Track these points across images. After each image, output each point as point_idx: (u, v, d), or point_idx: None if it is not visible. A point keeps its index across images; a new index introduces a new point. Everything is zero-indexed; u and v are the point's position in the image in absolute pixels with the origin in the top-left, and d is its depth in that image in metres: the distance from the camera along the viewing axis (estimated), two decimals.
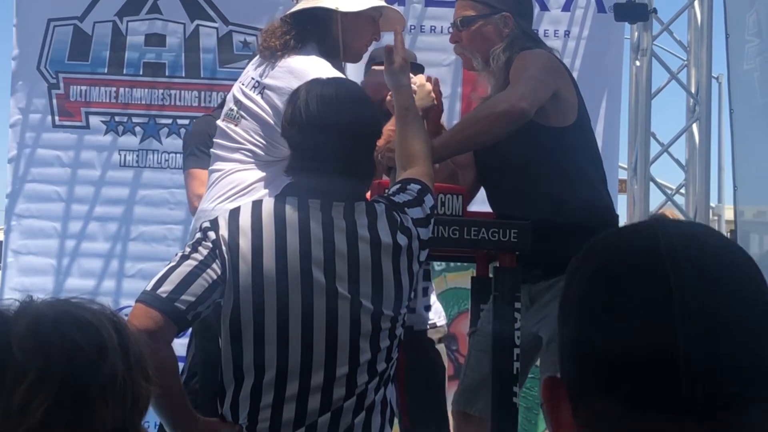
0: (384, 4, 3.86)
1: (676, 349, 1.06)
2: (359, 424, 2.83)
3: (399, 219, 2.91)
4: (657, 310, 1.08)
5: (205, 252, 2.82)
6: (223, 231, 2.83)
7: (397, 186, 3.08)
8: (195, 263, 2.80)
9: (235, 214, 2.89)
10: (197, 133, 4.90)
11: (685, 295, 1.08)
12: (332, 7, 3.71)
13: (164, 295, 2.74)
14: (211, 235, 2.84)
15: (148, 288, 2.77)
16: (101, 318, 1.56)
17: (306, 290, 2.80)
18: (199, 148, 4.70)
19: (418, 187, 3.06)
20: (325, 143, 2.89)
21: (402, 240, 2.89)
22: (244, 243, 2.82)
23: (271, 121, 3.59)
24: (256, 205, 2.94)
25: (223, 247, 2.81)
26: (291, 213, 2.85)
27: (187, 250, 2.85)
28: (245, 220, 2.86)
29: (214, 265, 2.80)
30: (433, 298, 4.46)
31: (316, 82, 3.04)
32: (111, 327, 1.55)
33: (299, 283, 2.80)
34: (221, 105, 4.77)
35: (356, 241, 2.84)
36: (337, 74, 3.63)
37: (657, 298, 1.09)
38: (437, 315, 4.48)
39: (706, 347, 1.07)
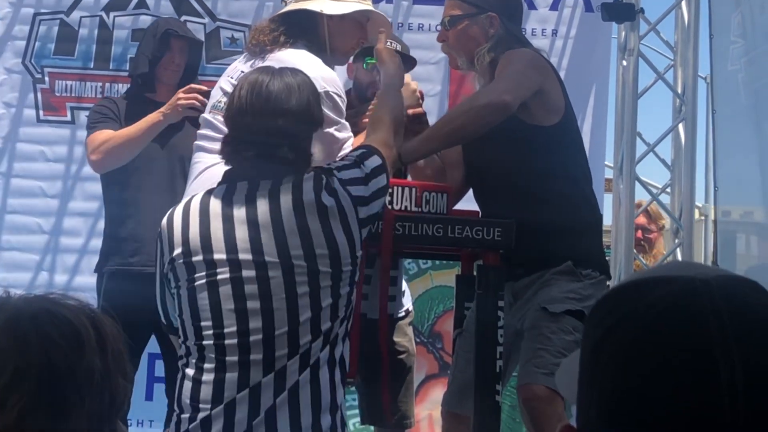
0: (370, 7, 3.87)
1: (720, 408, 1.06)
2: (304, 382, 2.90)
3: (324, 181, 2.99)
4: (701, 370, 1.08)
5: (158, 267, 3.12)
6: (163, 234, 3.07)
7: (343, 154, 3.21)
8: (158, 282, 3.13)
9: (170, 213, 3.08)
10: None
11: (730, 355, 1.08)
12: (317, 10, 3.72)
13: (166, 322, 3.18)
14: (158, 244, 3.10)
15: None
16: (79, 314, 1.55)
17: (234, 269, 2.93)
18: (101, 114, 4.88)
19: (362, 150, 3.16)
20: (250, 127, 3.01)
21: (328, 200, 2.96)
22: (176, 244, 3.01)
23: None
24: (188, 199, 3.11)
25: (165, 252, 3.06)
26: (215, 201, 3.01)
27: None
28: (177, 217, 3.05)
29: (166, 277, 3.08)
30: (404, 285, 4.50)
31: (257, 70, 3.18)
32: (89, 323, 1.55)
33: (226, 263, 2.94)
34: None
35: (279, 210, 2.95)
36: (326, 69, 3.65)
37: (701, 358, 1.08)
38: (407, 300, 4.55)
39: (751, 406, 1.06)
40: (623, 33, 6.31)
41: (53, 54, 6.07)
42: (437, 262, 5.92)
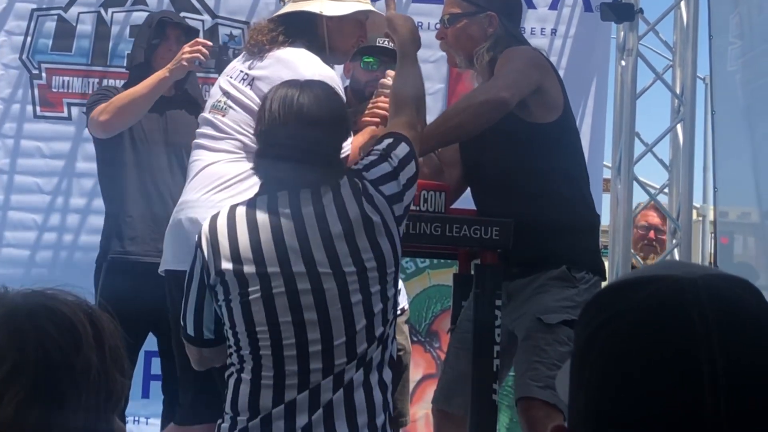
0: (369, 7, 3.86)
1: (703, 408, 1.07)
2: (358, 383, 2.93)
3: (360, 186, 3.01)
4: (685, 369, 1.08)
5: (197, 277, 3.08)
6: (207, 244, 3.05)
7: (371, 151, 3.17)
8: (195, 293, 3.10)
9: (212, 223, 3.08)
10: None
11: (714, 354, 1.08)
12: (316, 11, 3.71)
13: (193, 334, 3.14)
14: (199, 253, 3.07)
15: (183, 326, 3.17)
16: (76, 310, 1.54)
17: (289, 282, 2.93)
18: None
19: (388, 141, 3.14)
20: (285, 139, 3.03)
21: (368, 207, 2.98)
22: (225, 256, 3.00)
23: None
24: (230, 209, 3.10)
25: (211, 263, 3.03)
26: (261, 212, 3.02)
27: (187, 278, 3.12)
28: (222, 227, 3.04)
29: (213, 289, 3.05)
30: (400, 284, 4.50)
31: (283, 84, 3.19)
32: (86, 320, 1.54)
33: (280, 276, 2.94)
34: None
35: (325, 219, 2.97)
36: (325, 67, 3.64)
37: (685, 357, 1.09)
38: (403, 297, 4.54)
39: (734, 405, 1.07)
40: (622, 33, 6.31)
41: (51, 50, 6.06)
42: (435, 260, 5.92)
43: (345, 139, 3.16)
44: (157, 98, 4.67)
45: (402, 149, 3.12)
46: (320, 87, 3.14)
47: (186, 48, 4.62)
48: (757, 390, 1.08)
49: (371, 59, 4.40)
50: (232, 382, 3.01)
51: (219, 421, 3.02)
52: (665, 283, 1.14)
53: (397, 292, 3.07)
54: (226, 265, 2.99)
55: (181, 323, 3.19)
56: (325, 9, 3.73)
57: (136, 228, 4.75)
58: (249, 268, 2.97)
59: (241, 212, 3.05)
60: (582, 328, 1.18)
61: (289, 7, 3.78)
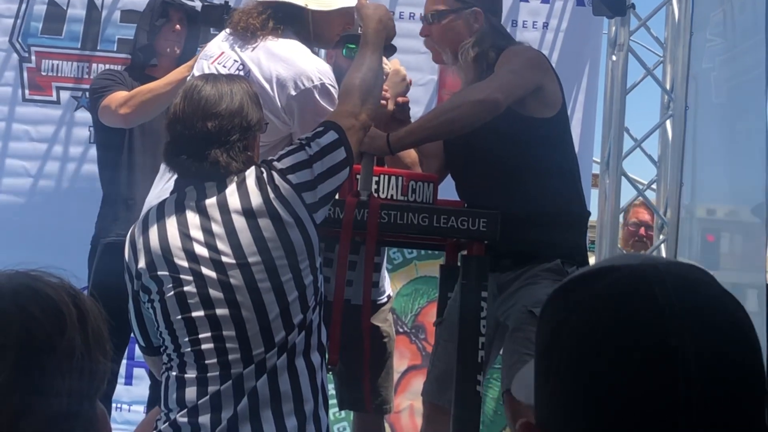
0: (354, 3, 3.82)
1: (676, 395, 1.06)
2: (282, 368, 2.94)
3: (265, 175, 3.01)
4: (655, 359, 1.07)
5: (128, 286, 3.13)
6: (128, 254, 3.12)
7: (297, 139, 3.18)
8: (131, 302, 3.13)
9: (131, 231, 3.14)
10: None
11: (684, 340, 1.07)
12: (301, 4, 3.69)
13: (144, 344, 3.21)
14: (125, 266, 3.14)
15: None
16: (60, 292, 1.53)
17: (198, 277, 2.96)
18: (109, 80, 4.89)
19: (316, 129, 3.14)
20: (182, 132, 3.05)
21: (271, 195, 2.99)
22: (140, 260, 3.06)
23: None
24: (145, 213, 3.18)
25: (132, 270, 3.09)
26: (169, 210, 3.07)
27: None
28: (137, 233, 3.11)
29: (138, 294, 3.10)
30: (384, 272, 4.50)
31: (195, 77, 3.25)
32: (70, 301, 1.53)
33: (189, 271, 2.98)
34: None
35: (228, 211, 2.99)
36: (320, 61, 3.64)
37: (656, 350, 1.08)
38: (387, 285, 4.55)
39: (706, 392, 1.06)
40: (614, 28, 6.31)
41: (41, 33, 6.04)
42: (422, 252, 5.91)
43: (251, 130, 3.10)
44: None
45: (328, 137, 3.11)
46: (228, 80, 3.15)
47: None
48: (727, 375, 1.07)
49: (353, 46, 4.36)
50: (163, 380, 3.05)
51: (157, 419, 3.05)
52: (625, 271, 1.13)
53: (317, 281, 3.04)
54: (142, 268, 3.04)
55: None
56: (310, 3, 3.72)
57: (136, 210, 4.75)
58: (161, 267, 3.00)
59: (152, 214, 3.11)
60: (545, 322, 1.16)
61: None
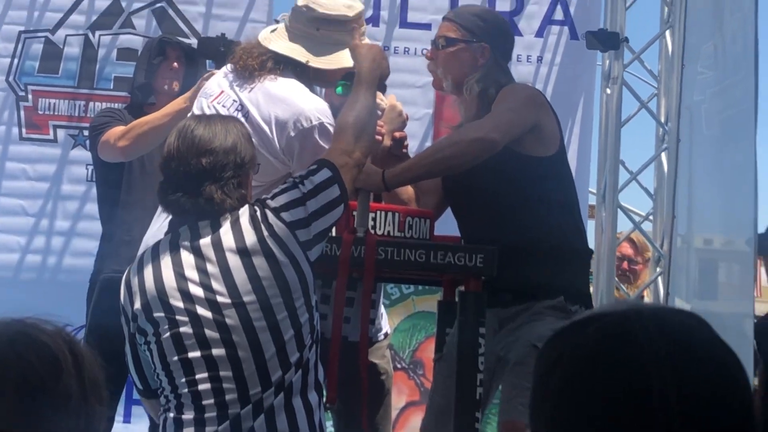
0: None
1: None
2: (279, 408, 2.94)
3: (258, 213, 3.02)
4: (637, 403, 1.10)
5: (125, 329, 3.12)
6: (124, 297, 3.11)
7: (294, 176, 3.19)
8: (128, 344, 3.12)
9: (127, 275, 3.14)
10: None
11: (665, 384, 1.10)
12: (302, 60, 3.70)
13: (141, 387, 3.20)
14: (121, 308, 3.13)
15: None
16: (56, 339, 1.55)
17: (193, 318, 2.96)
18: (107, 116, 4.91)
19: (310, 168, 3.15)
20: (176, 171, 3.06)
21: (265, 234, 2.99)
22: (136, 302, 3.05)
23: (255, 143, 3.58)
24: (141, 254, 3.18)
25: (129, 313, 3.08)
26: (164, 251, 3.07)
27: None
28: (133, 274, 3.10)
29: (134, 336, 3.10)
30: (381, 308, 4.51)
31: (188, 117, 3.27)
32: (66, 348, 1.54)
33: (185, 312, 2.97)
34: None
35: (222, 251, 2.99)
36: (319, 101, 3.64)
37: (637, 391, 1.11)
38: (384, 322, 4.55)
39: (686, 424, 1.09)
40: (607, 61, 6.33)
41: (37, 72, 6.06)
42: (420, 287, 5.91)
43: (244, 168, 3.11)
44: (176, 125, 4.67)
45: (322, 175, 3.12)
46: (221, 120, 3.17)
47: (205, 77, 4.62)
48: (708, 419, 1.09)
49: (345, 83, 4.36)
50: (161, 421, 3.05)
51: None
52: (612, 317, 1.18)
53: (313, 318, 3.04)
54: (138, 309, 3.04)
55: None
56: (311, 61, 3.71)
57: (135, 248, 4.75)
58: (157, 309, 3.00)
59: (147, 255, 3.11)
60: (539, 366, 1.21)
61: (277, 46, 3.73)
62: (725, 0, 5.55)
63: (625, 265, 6.52)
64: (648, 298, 6.19)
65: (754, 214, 4.78)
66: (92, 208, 5.48)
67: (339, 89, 4.05)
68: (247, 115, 3.60)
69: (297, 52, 3.70)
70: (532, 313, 3.75)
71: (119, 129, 4.73)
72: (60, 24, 6.09)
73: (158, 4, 6.18)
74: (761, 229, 5.53)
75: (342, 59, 3.72)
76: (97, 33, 6.10)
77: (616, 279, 6.15)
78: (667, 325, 1.15)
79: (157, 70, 4.97)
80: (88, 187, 5.92)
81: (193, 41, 5.97)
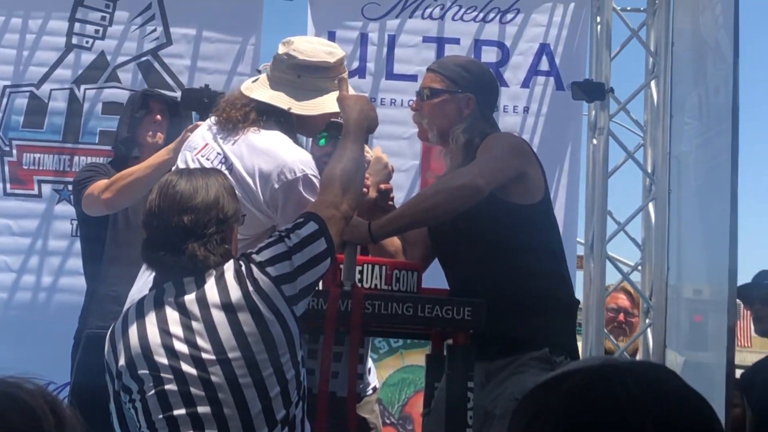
0: (337, 110, 3.75)
1: None
2: None
3: (244, 268, 2.99)
4: None
5: (109, 387, 3.07)
6: (108, 353, 3.06)
7: (279, 231, 3.16)
8: (112, 403, 3.06)
9: (112, 332, 3.09)
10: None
11: (644, 428, 1.11)
12: (284, 107, 3.69)
13: None
14: (106, 365, 3.08)
15: None
16: (38, 399, 1.52)
17: (178, 374, 2.92)
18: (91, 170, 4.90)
19: (296, 221, 3.12)
20: (159, 228, 3.03)
21: (250, 289, 2.96)
22: (121, 359, 3.00)
23: (239, 196, 3.56)
24: (125, 311, 3.13)
25: (113, 370, 3.03)
26: (148, 308, 3.03)
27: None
28: (118, 332, 3.06)
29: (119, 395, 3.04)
30: (369, 362, 4.47)
31: (170, 172, 3.23)
32: (48, 408, 1.52)
33: (169, 369, 2.93)
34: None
35: (207, 306, 2.95)
36: (302, 152, 3.62)
37: None
38: (373, 376, 4.51)
39: None
40: (593, 111, 6.36)
41: (22, 126, 6.05)
42: (408, 341, 5.88)
43: (228, 223, 3.09)
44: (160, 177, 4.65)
45: (308, 228, 3.09)
46: (203, 174, 3.14)
47: (189, 128, 4.61)
48: None
49: (326, 134, 4.35)
50: None
51: None
52: (588, 372, 1.19)
53: (300, 374, 3.01)
54: (122, 367, 2.99)
55: None
56: (294, 107, 3.70)
57: (120, 303, 4.71)
58: (141, 366, 2.96)
59: (132, 311, 3.07)
60: (517, 422, 1.22)
61: (259, 95, 3.73)
62: (709, 52, 5.58)
63: (621, 317, 6.50)
64: (639, 350, 6.16)
65: (730, 264, 4.78)
66: (76, 263, 5.45)
67: (322, 141, 4.05)
68: (231, 167, 3.58)
69: (279, 99, 3.70)
70: (517, 366, 3.72)
71: (103, 182, 4.72)
72: (45, 78, 6.09)
73: (144, 58, 6.19)
74: (747, 279, 5.54)
75: (324, 105, 3.72)
76: (83, 87, 6.10)
77: (606, 331, 6.12)
78: (645, 379, 1.16)
79: (141, 123, 4.97)
80: (71, 242, 5.89)
81: (179, 94, 5.98)
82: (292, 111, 3.69)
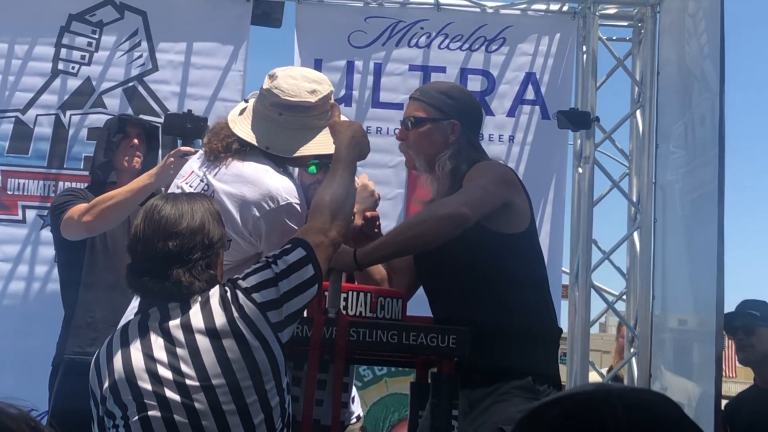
0: (319, 152, 3.73)
1: None
2: None
3: (229, 294, 2.96)
4: None
5: (94, 413, 3.04)
6: (93, 379, 3.04)
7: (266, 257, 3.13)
8: (96, 430, 3.03)
9: (97, 357, 3.06)
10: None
11: None
12: (262, 148, 3.67)
13: None
14: (90, 390, 3.06)
15: None
16: (20, 423, 1.50)
17: (161, 401, 2.89)
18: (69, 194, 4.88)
19: (284, 247, 3.09)
20: (143, 254, 3.00)
21: (235, 315, 2.93)
22: (104, 385, 2.97)
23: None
24: (110, 337, 3.09)
25: (97, 395, 3.00)
26: (133, 333, 3.00)
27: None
28: (102, 358, 3.03)
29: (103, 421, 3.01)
30: (354, 391, 4.45)
31: (156, 197, 3.17)
32: None
33: (153, 395, 2.90)
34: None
35: (192, 333, 2.92)
36: (286, 180, 3.60)
37: None
38: (357, 405, 4.49)
39: None
40: (579, 140, 6.37)
41: (7, 152, 6.04)
42: (393, 368, 5.86)
43: (213, 248, 3.06)
44: (141, 201, 4.63)
45: (295, 255, 3.06)
46: (188, 199, 3.12)
47: (171, 154, 4.60)
48: None
49: (317, 162, 4.34)
50: None
51: None
52: (579, 398, 1.18)
53: (284, 401, 2.98)
54: (107, 391, 2.96)
55: None
56: (272, 148, 3.67)
57: (98, 329, 4.69)
58: (125, 392, 2.93)
59: (116, 337, 3.04)
60: None
61: (240, 131, 3.70)
62: (694, 81, 5.61)
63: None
64: (624, 379, 6.16)
65: (717, 295, 4.79)
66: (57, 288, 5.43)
67: (312, 168, 4.03)
68: (212, 195, 3.57)
69: (258, 139, 3.68)
70: (500, 394, 3.70)
71: (83, 205, 4.69)
72: (31, 103, 6.08)
73: (130, 84, 6.19)
74: (730, 308, 5.54)
75: (305, 148, 3.69)
76: (68, 112, 6.10)
77: (591, 361, 6.12)
78: (635, 405, 1.15)
79: (118, 147, 4.95)
80: (52, 266, 5.86)
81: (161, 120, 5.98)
82: (269, 151, 3.67)
